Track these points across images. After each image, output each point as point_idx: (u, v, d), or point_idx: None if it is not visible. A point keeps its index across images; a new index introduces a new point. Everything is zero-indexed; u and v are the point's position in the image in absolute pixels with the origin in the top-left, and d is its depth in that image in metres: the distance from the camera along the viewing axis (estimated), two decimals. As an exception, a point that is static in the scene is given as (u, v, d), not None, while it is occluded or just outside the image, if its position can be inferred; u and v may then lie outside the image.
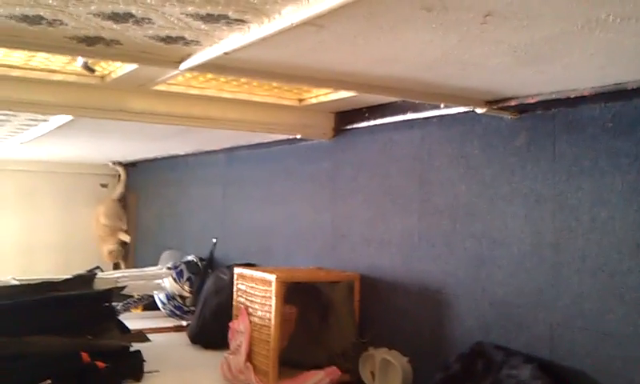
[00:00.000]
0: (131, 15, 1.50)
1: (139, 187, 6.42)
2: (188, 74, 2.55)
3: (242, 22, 1.51)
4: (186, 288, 4.33)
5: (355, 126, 3.37)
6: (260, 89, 2.97)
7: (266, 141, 4.08)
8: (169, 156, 5.52)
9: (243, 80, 2.78)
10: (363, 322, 3.20)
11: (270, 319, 3.05)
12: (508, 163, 2.55)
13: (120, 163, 6.54)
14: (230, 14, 1.44)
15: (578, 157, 2.30)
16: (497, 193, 2.59)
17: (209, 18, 1.49)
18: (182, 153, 5.20)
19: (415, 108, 2.91)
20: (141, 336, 3.25)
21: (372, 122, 3.23)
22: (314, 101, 3.16)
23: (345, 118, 3.46)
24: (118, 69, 2.51)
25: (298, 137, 3.63)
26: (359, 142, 3.39)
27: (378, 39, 1.57)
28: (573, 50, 1.67)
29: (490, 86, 2.19)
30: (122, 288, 3.96)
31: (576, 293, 2.26)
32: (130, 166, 6.59)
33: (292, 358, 3.13)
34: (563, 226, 2.33)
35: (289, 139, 3.84)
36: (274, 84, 2.84)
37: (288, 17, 1.42)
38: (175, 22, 1.55)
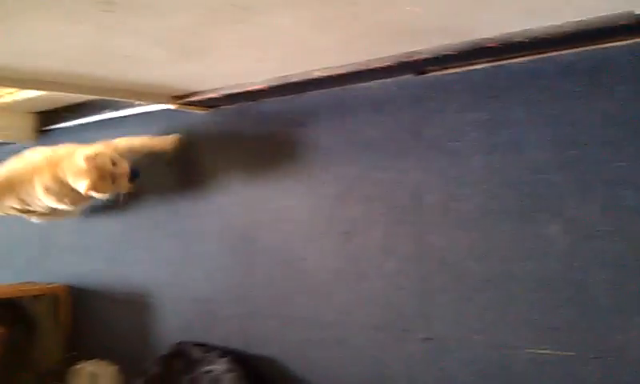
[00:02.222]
0: None
1: None
2: None
3: None
4: None
5: (56, 126, 3.14)
6: None
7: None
8: None
9: None
10: (75, 335, 3.00)
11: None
12: (202, 160, 2.54)
13: None
14: None
15: (261, 149, 2.36)
16: (199, 190, 2.56)
17: None
18: None
19: (114, 106, 2.78)
20: None
21: (71, 123, 3.03)
22: (7, 100, 2.88)
23: (46, 118, 3.21)
24: None
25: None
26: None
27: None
28: (217, 42, 1.64)
29: (162, 81, 2.12)
30: None
31: (264, 282, 2.31)
32: None
33: (-5, 385, 2.85)
34: (251, 217, 2.37)
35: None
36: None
37: None
38: None
